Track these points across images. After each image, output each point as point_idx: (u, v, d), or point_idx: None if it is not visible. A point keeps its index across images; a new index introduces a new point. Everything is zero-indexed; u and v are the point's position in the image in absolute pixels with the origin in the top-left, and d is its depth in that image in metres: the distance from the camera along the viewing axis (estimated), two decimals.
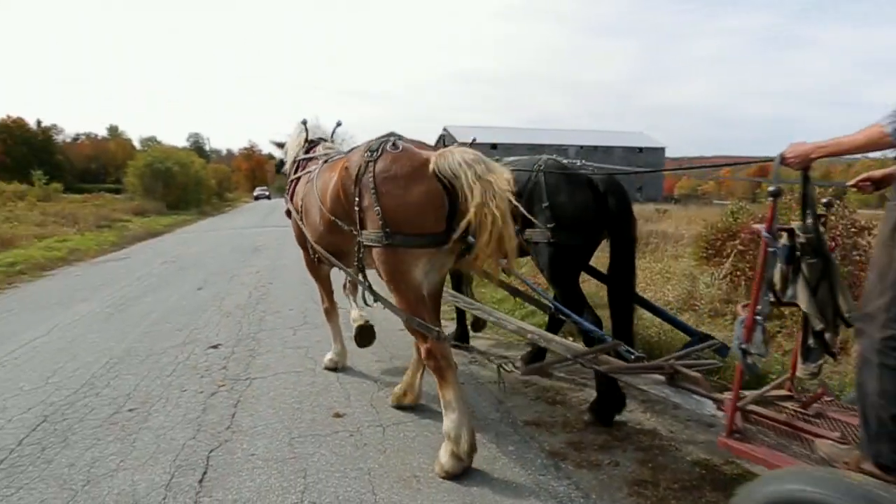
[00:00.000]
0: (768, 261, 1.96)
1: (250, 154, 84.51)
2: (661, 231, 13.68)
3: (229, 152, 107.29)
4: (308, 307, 6.13)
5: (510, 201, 2.47)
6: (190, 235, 16.36)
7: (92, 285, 7.76)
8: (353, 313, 4.20)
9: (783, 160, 1.96)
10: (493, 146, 67.51)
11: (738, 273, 5.94)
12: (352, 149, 3.25)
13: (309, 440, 2.97)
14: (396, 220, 2.65)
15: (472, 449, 2.60)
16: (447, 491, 2.48)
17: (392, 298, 2.85)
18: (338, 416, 3.28)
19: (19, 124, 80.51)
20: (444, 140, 4.34)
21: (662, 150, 77.53)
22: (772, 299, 2.06)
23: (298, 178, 3.93)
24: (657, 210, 24.85)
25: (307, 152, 4.17)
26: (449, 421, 2.60)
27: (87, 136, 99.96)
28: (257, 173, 70.25)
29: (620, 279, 3.17)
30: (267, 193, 53.69)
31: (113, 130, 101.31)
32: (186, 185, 30.56)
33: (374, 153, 2.83)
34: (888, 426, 1.68)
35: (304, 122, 4.40)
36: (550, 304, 3.52)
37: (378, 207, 2.69)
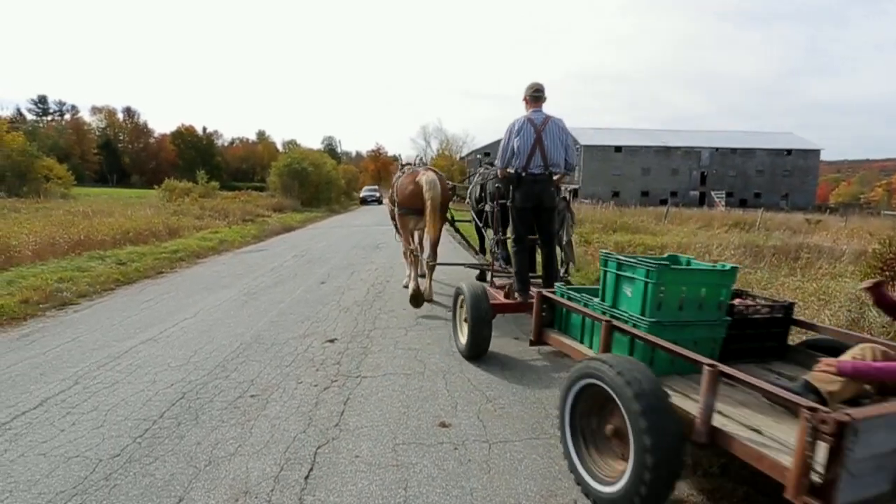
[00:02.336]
0: (498, 217, 5.34)
1: (377, 155, 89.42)
2: (815, 245, 11.89)
3: (358, 154, 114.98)
4: (420, 309, 6.17)
5: (438, 201, 5.85)
6: (319, 231, 17.63)
7: (234, 273, 8.60)
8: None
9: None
10: (618, 149, 64.52)
11: None
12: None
13: (412, 448, 2.89)
14: (401, 201, 6.26)
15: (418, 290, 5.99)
16: None
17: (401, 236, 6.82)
18: (443, 425, 3.17)
19: (190, 131, 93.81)
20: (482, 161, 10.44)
21: (817, 152, 67.49)
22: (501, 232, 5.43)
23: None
24: (807, 220, 21.79)
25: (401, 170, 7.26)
26: (410, 281, 6.34)
27: (241, 140, 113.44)
28: (382, 174, 73.82)
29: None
30: (377, 195, 43.89)
31: (261, 134, 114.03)
32: (319, 184, 33.04)
33: (403, 168, 7.24)
34: (516, 276, 4.60)
35: (399, 157, 8.45)
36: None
37: (396, 195, 6.46)
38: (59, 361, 4.28)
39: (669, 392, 2.34)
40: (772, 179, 65.61)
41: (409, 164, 7.58)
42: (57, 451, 2.85)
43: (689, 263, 3.27)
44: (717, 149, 65.35)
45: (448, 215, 6.84)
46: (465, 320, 4.38)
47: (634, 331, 2.75)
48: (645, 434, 2.07)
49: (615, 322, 2.87)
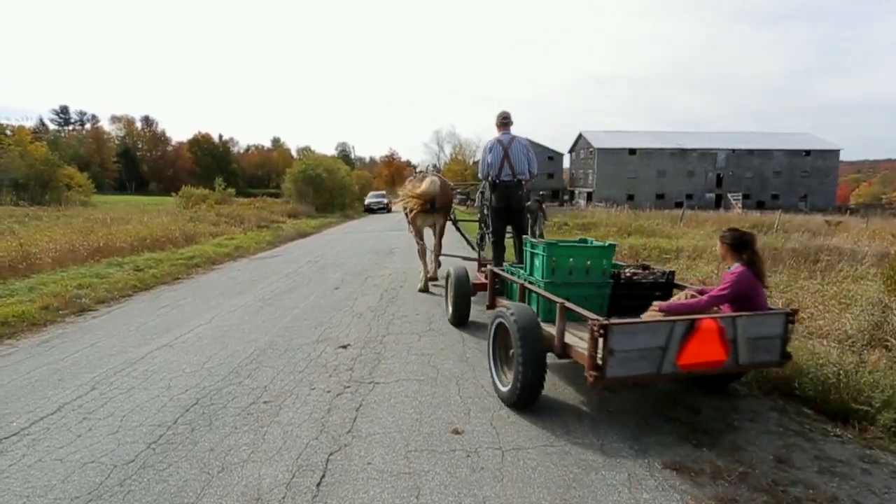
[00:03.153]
0: (484, 215, 6.68)
1: (391, 161, 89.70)
2: (835, 247, 11.62)
3: (372, 159, 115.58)
4: (433, 313, 6.17)
5: (446, 199, 7.51)
6: (333, 237, 17.72)
7: (249, 279, 8.67)
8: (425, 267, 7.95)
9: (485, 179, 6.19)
10: (632, 152, 64.02)
11: None
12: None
13: (425, 455, 2.87)
14: (410, 204, 7.22)
15: (426, 288, 7.49)
16: None
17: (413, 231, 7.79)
18: (456, 432, 3.14)
19: (207, 139, 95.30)
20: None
21: (836, 152, 66.23)
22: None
23: None
24: (827, 222, 21.33)
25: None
26: (421, 273, 7.67)
27: (256, 147, 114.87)
28: (396, 179, 73.82)
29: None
30: (385, 202, 37.82)
31: (276, 141, 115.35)
32: (333, 189, 33.22)
33: (414, 176, 8.13)
34: (494, 261, 5.80)
35: (416, 165, 10.29)
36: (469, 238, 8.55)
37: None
38: (77, 367, 4.34)
39: (548, 328, 3.47)
40: (790, 180, 64.56)
41: (423, 171, 8.74)
42: (73, 456, 2.88)
43: (591, 243, 4.52)
44: (733, 150, 64.51)
45: (451, 215, 8.19)
46: (451, 296, 5.67)
47: (536, 289, 3.96)
48: (520, 350, 3.21)
49: (526, 284, 4.12)
